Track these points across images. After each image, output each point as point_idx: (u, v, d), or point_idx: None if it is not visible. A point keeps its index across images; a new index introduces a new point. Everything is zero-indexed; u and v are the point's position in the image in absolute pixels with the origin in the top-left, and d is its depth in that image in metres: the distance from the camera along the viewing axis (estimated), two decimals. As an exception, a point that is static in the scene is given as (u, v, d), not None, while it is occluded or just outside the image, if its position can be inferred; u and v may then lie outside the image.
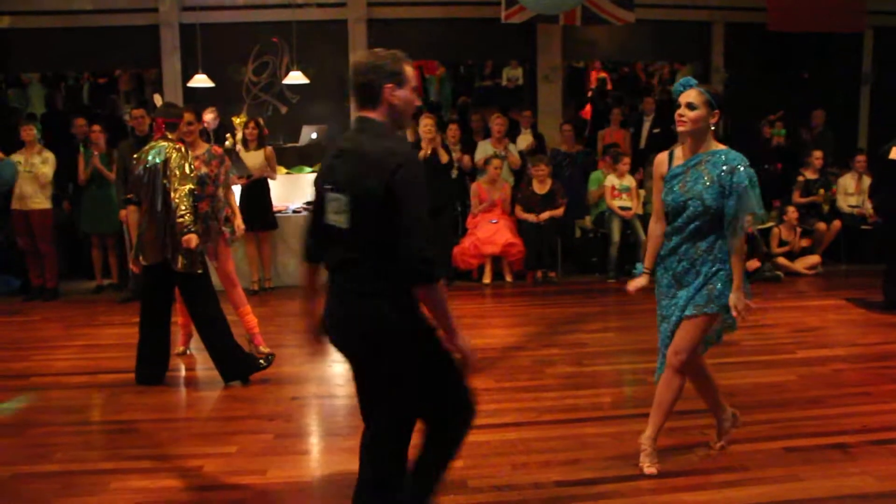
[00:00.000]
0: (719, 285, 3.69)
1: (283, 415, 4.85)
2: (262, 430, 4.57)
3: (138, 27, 10.17)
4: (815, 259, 9.23)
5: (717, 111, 3.65)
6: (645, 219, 9.09)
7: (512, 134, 9.85)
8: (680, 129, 3.68)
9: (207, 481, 3.92)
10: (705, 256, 3.71)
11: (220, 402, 5.20)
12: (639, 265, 4.04)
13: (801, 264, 9.12)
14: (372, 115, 2.84)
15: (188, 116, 5.70)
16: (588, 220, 9.48)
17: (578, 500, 3.64)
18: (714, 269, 3.70)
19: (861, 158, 9.62)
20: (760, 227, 9.10)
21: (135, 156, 5.31)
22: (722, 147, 3.73)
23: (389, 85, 2.81)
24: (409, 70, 2.87)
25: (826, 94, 11.25)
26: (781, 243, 9.19)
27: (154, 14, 10.11)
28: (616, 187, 8.95)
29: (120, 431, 4.63)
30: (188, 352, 6.11)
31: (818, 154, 9.55)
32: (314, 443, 4.54)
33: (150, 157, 5.24)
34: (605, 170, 9.29)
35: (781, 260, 9.10)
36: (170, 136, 5.30)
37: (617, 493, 3.71)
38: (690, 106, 3.63)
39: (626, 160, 9.05)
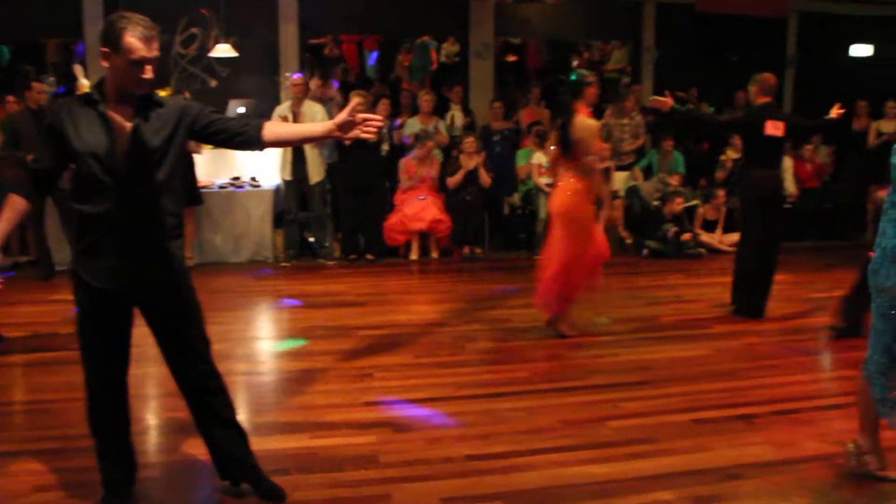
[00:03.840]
0: None
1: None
2: (177, 408, 4.48)
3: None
4: (737, 237, 9.42)
5: None
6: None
7: (442, 110, 9.82)
8: None
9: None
10: None
11: (136, 381, 5.02)
12: None
13: (722, 241, 9.31)
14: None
15: None
16: (517, 197, 9.53)
17: (489, 474, 3.66)
18: None
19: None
20: (687, 204, 9.27)
21: None
22: None
23: (104, 49, 2.92)
24: (127, 42, 2.88)
25: (752, 76, 11.45)
26: (706, 223, 9.39)
27: (76, -19, 9.76)
28: (543, 165, 8.99)
29: (27, 412, 4.53)
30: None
31: (742, 134, 9.74)
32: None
33: None
34: (532, 147, 9.33)
35: (705, 237, 9.29)
36: None
37: (528, 466, 3.74)
38: None
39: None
